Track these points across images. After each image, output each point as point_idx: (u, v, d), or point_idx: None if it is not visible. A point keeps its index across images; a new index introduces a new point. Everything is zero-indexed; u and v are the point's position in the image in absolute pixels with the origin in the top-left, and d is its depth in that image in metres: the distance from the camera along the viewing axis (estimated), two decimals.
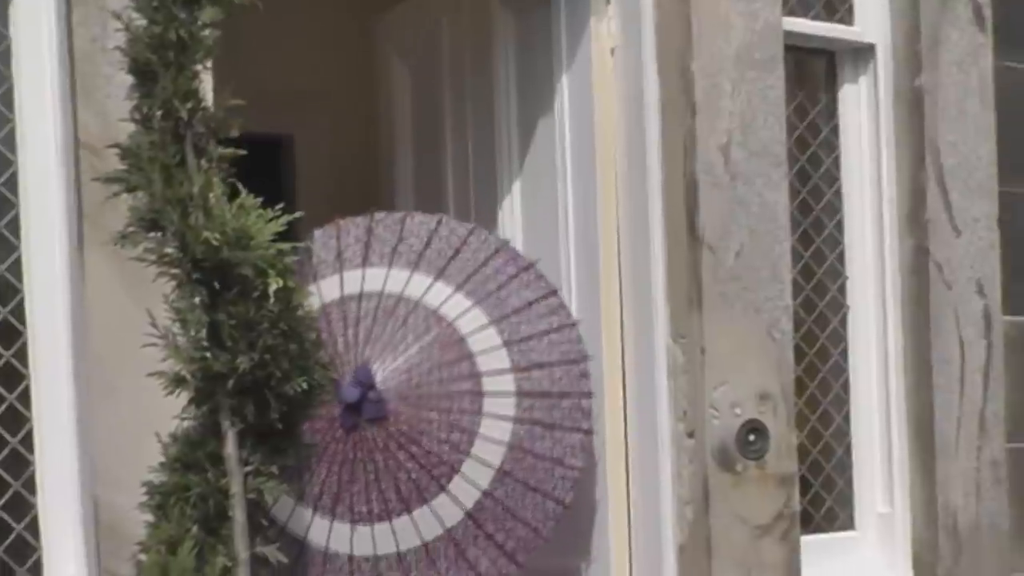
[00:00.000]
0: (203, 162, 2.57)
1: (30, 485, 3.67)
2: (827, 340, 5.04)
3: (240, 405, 2.59)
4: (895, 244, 5.02)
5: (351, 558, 4.09)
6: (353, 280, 4.30)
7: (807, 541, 4.74)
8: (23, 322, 3.67)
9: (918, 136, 4.98)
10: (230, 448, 2.61)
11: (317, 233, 4.41)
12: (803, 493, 4.78)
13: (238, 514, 2.58)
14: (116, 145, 2.62)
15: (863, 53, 5.05)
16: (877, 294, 5.05)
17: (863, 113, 5.10)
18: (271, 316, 2.54)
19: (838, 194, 5.06)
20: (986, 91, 5.10)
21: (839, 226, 5.07)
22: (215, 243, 2.49)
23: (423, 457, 4.11)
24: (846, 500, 5.09)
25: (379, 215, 4.45)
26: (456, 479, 4.11)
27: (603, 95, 4.66)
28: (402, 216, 4.49)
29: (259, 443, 2.63)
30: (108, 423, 3.57)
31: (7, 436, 3.65)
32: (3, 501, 3.64)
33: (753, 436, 4.52)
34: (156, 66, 2.57)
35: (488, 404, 4.17)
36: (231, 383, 2.55)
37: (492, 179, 5.06)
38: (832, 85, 5.11)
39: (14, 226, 3.66)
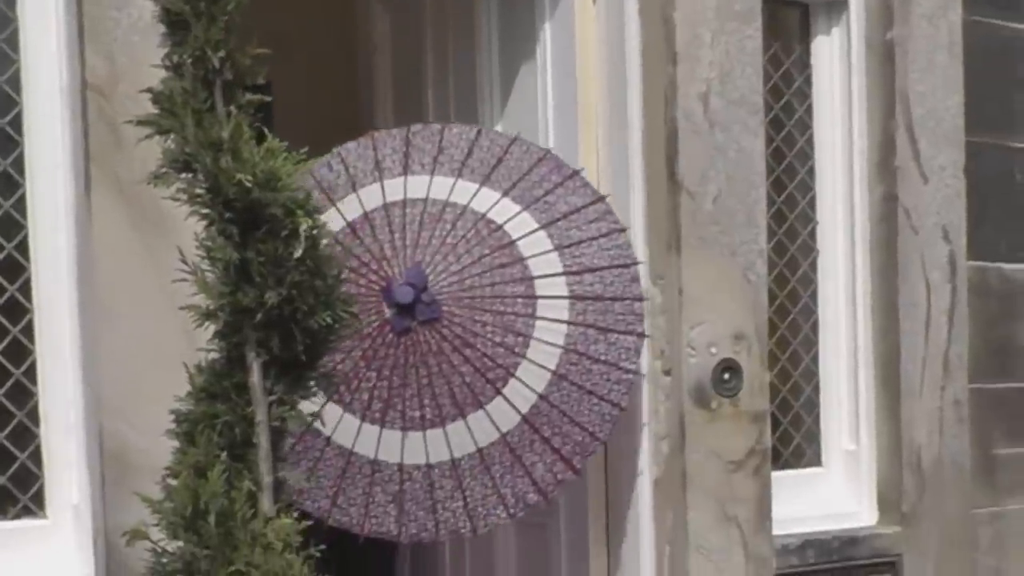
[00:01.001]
0: (232, 108, 2.67)
1: (33, 416, 3.78)
2: (798, 283, 5.15)
3: (266, 338, 2.69)
4: (864, 191, 5.12)
5: (401, 467, 4.04)
6: (395, 188, 4.27)
7: (776, 476, 4.84)
8: (27, 258, 3.76)
9: (888, 87, 5.08)
10: (255, 378, 2.70)
11: (351, 145, 4.39)
12: (773, 430, 4.89)
13: (263, 441, 2.67)
14: (149, 90, 2.70)
15: (836, 6, 5.15)
16: (846, 239, 5.15)
17: (835, 64, 5.19)
18: (298, 254, 2.66)
19: (810, 142, 5.17)
20: (955, 44, 5.20)
21: (811, 173, 5.18)
22: (247, 184, 2.60)
23: (478, 360, 4.05)
24: (814, 437, 5.20)
25: (415, 127, 4.43)
26: (512, 382, 4.05)
27: (585, 44, 4.70)
28: (440, 127, 4.46)
29: (282, 374, 2.71)
30: (113, 355, 3.67)
31: (11, 368, 3.75)
32: (7, 432, 3.75)
33: (728, 375, 4.61)
34: (188, 16, 2.63)
35: (542, 307, 4.11)
36: (259, 317, 2.66)
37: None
38: (806, 36, 5.21)
39: (19, 165, 3.76)
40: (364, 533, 4.05)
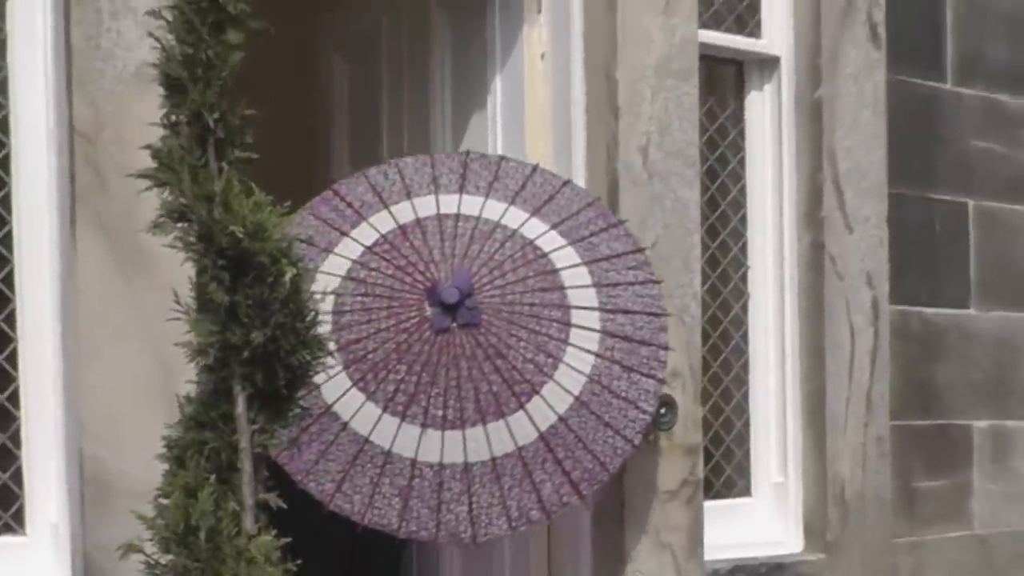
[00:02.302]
0: (224, 164, 2.89)
1: (15, 439, 3.90)
2: (730, 324, 5.30)
3: (251, 373, 2.90)
4: (793, 239, 5.28)
5: (414, 462, 4.01)
6: (450, 202, 4.32)
7: (708, 506, 4.96)
8: (12, 290, 3.89)
9: (816, 142, 5.26)
10: (240, 409, 2.91)
11: (408, 159, 4.47)
12: (705, 463, 5.02)
13: (246, 465, 2.89)
14: (148, 146, 2.91)
15: (769, 64, 5.34)
16: (776, 283, 5.31)
17: (767, 119, 5.36)
18: (282, 298, 2.90)
19: (743, 192, 5.34)
20: (879, 102, 5.40)
21: (743, 221, 5.34)
22: (239, 235, 2.83)
23: (507, 372, 4.05)
24: (744, 470, 5.35)
25: (474, 154, 4.49)
26: (535, 400, 4.05)
27: (533, 97, 4.84)
28: (498, 158, 4.53)
29: (264, 406, 2.93)
30: (95, 385, 3.80)
31: None
32: None
33: (663, 410, 4.66)
34: (186, 81, 2.86)
35: (574, 336, 4.13)
36: (246, 354, 2.88)
37: None
38: (740, 92, 5.38)
39: (6, 203, 3.89)
40: (364, 523, 3.99)
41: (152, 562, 2.92)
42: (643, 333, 4.23)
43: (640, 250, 4.41)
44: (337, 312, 4.10)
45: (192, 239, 2.91)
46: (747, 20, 5.34)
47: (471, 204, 4.33)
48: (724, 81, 5.38)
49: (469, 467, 4.01)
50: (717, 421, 5.28)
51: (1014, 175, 6.02)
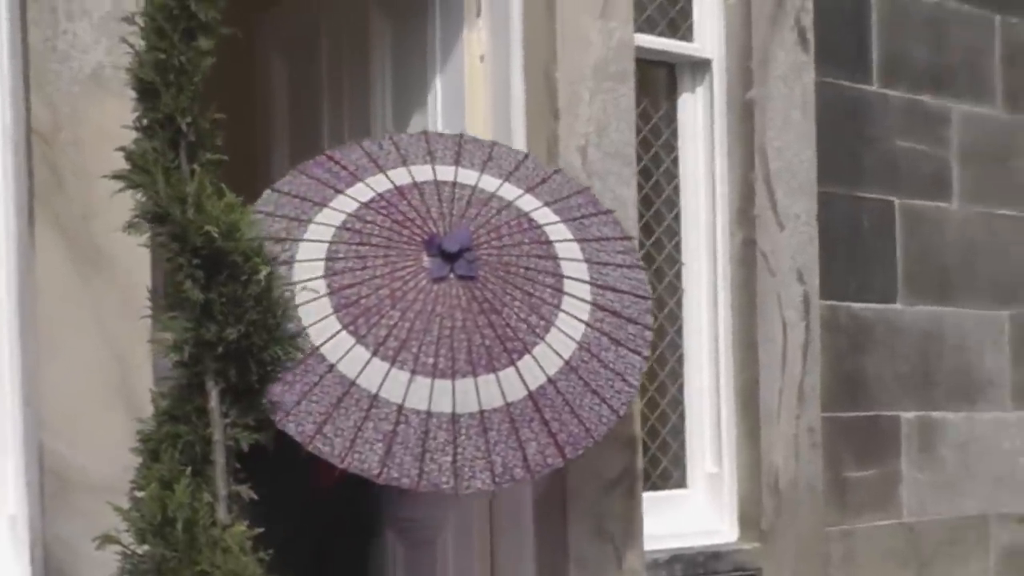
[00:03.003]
0: (195, 166, 2.96)
1: None
2: (665, 319, 5.37)
3: (224, 368, 2.97)
4: (726, 236, 5.39)
5: (400, 408, 3.91)
6: (446, 172, 4.30)
7: (646, 497, 5.03)
8: None
9: (748, 142, 5.38)
10: (213, 403, 2.97)
11: (402, 135, 4.51)
12: (643, 455, 5.07)
13: (219, 458, 2.96)
14: (122, 149, 2.98)
15: (701, 67, 5.45)
16: (709, 280, 5.42)
17: (699, 120, 5.47)
18: (255, 295, 2.98)
19: (676, 190, 5.43)
20: (808, 103, 5.52)
21: (677, 218, 5.43)
22: (214, 235, 2.90)
23: (501, 328, 4.02)
24: (679, 461, 5.42)
25: (467, 136, 4.52)
26: (527, 358, 4.01)
27: (473, 97, 4.92)
28: (491, 142, 4.55)
29: (236, 400, 3.00)
30: (54, 381, 3.83)
31: None
32: None
33: None
34: (159, 85, 2.93)
35: (566, 303, 4.12)
36: (219, 350, 2.95)
37: None
38: (672, 94, 5.48)
39: None
40: (343, 466, 3.87)
41: (129, 552, 2.99)
42: (630, 312, 4.23)
43: (628, 238, 4.47)
44: (331, 259, 4.05)
45: (166, 239, 2.97)
46: (679, 24, 5.45)
47: (467, 176, 4.33)
48: (657, 83, 5.47)
49: (457, 418, 3.94)
50: (653, 414, 5.36)
51: (937, 173, 6.16)
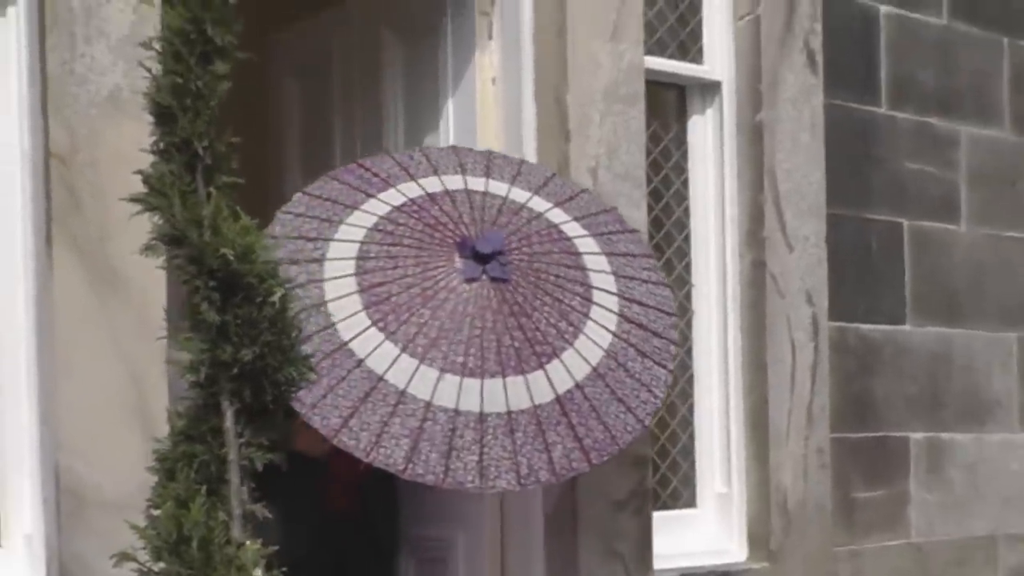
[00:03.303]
0: (211, 189, 3.00)
1: None
2: None
3: (239, 388, 3.01)
4: (736, 257, 5.42)
5: (428, 405, 3.89)
6: (477, 182, 4.34)
7: (656, 516, 5.07)
8: None
9: (757, 163, 5.41)
10: (228, 423, 3.01)
11: (433, 148, 4.57)
12: (652, 474, 5.12)
13: (234, 477, 3.00)
14: (140, 171, 3.04)
15: (711, 89, 5.49)
16: (719, 301, 5.45)
17: (709, 142, 5.51)
18: (270, 317, 3.02)
19: (686, 212, 5.47)
20: (816, 126, 5.55)
21: (687, 240, 5.46)
22: (229, 257, 2.94)
23: (531, 331, 4.03)
24: (689, 481, 5.45)
25: (495, 152, 4.58)
26: (555, 363, 4.02)
27: (485, 120, 4.96)
28: (519, 159, 4.61)
29: (250, 420, 3.04)
30: (70, 401, 3.88)
31: None
32: None
33: None
34: (176, 110, 2.97)
35: (594, 312, 4.14)
36: (235, 370, 3.00)
37: None
38: (682, 116, 5.52)
39: None
40: (368, 460, 3.82)
41: (145, 570, 3.02)
42: (656, 326, 4.25)
43: (652, 256, 4.53)
44: (361, 258, 4.05)
45: (183, 261, 3.01)
46: (689, 46, 5.49)
47: (497, 187, 4.36)
48: (667, 105, 5.51)
49: (484, 417, 3.92)
50: (664, 434, 5.39)
51: (945, 195, 6.19)
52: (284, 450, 3.04)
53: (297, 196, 4.21)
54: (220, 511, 3.02)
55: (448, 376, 3.92)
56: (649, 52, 5.23)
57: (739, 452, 5.43)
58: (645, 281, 4.34)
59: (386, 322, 3.95)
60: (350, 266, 4.04)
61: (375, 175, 4.30)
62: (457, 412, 3.90)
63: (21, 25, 3.99)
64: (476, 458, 3.88)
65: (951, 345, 6.18)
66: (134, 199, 3.04)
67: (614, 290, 4.23)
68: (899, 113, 6.00)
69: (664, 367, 4.21)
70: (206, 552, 2.96)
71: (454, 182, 4.33)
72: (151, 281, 3.85)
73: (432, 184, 4.30)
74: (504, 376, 3.96)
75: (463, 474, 3.87)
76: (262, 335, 3.02)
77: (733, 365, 5.46)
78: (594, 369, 4.07)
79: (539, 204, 4.37)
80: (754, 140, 5.45)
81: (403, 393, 3.89)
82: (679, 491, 5.46)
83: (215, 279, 3.00)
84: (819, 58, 5.59)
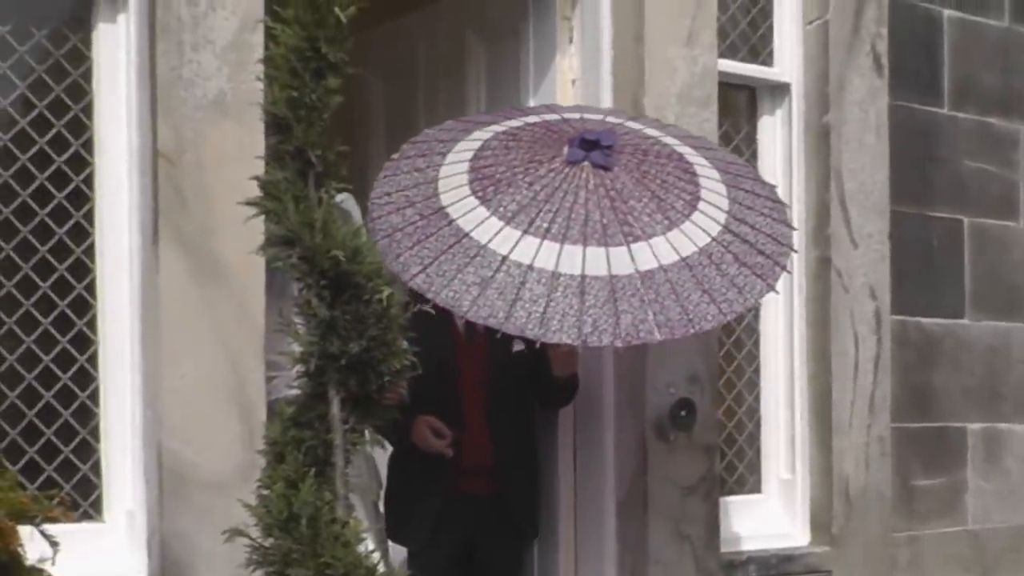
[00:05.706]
0: (323, 194, 3.19)
1: (95, 434, 4.16)
2: (743, 332, 5.54)
3: (346, 379, 3.19)
4: (802, 253, 5.50)
5: (504, 258, 4.02)
6: (611, 117, 4.56)
7: (723, 501, 5.21)
8: (94, 296, 4.16)
9: (824, 163, 5.53)
10: (335, 411, 3.20)
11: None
12: (720, 461, 5.26)
13: (339, 461, 3.20)
14: (256, 178, 3.24)
15: (780, 90, 5.62)
16: (786, 295, 5.52)
17: (778, 142, 5.64)
18: (376, 313, 3.19)
19: None
20: (882, 127, 5.66)
21: None
22: (341, 259, 3.13)
23: (622, 214, 4.11)
24: (755, 467, 5.58)
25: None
26: (642, 244, 4.08)
27: None
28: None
29: (355, 408, 3.22)
30: (173, 386, 4.06)
31: (77, 391, 4.14)
32: (72, 446, 4.13)
33: (684, 411, 4.93)
34: (291, 120, 3.16)
35: (697, 217, 4.20)
36: (343, 362, 3.18)
37: None
38: (753, 116, 5.64)
39: (89, 217, 4.16)
40: (435, 299, 3.91)
41: (257, 545, 3.23)
42: (765, 247, 4.27)
43: (783, 204, 4.55)
44: (478, 155, 4.29)
45: (296, 261, 3.21)
46: (760, 50, 5.62)
47: (633, 124, 4.56)
48: (739, 106, 5.64)
49: (557, 275, 4.03)
50: (731, 422, 5.52)
51: (1005, 193, 6.28)
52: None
53: (405, 146, 4.47)
54: (326, 491, 3.21)
55: (529, 238, 4.08)
56: (721, 55, 5.35)
57: (803, 440, 5.54)
58: (763, 214, 4.36)
59: (485, 192, 4.16)
60: (466, 164, 4.25)
61: (480, 120, 4.56)
62: (531, 268, 4.03)
63: (131, 32, 4.16)
64: (541, 310, 3.98)
65: (1009, 339, 6.27)
66: (250, 203, 3.22)
67: (724, 207, 4.28)
68: (961, 114, 6.10)
69: (763, 280, 4.20)
70: (314, 529, 3.14)
71: (570, 113, 4.53)
72: (250, 275, 4.08)
73: (548, 115, 4.49)
74: (585, 245, 4.06)
75: (524, 321, 3.98)
76: (368, 330, 3.18)
77: (798, 357, 5.57)
78: (683, 259, 4.11)
79: (671, 140, 4.49)
80: (821, 140, 5.56)
81: (484, 247, 4.06)
82: (745, 477, 5.57)
83: (326, 278, 3.17)
84: (885, 61, 5.69)
